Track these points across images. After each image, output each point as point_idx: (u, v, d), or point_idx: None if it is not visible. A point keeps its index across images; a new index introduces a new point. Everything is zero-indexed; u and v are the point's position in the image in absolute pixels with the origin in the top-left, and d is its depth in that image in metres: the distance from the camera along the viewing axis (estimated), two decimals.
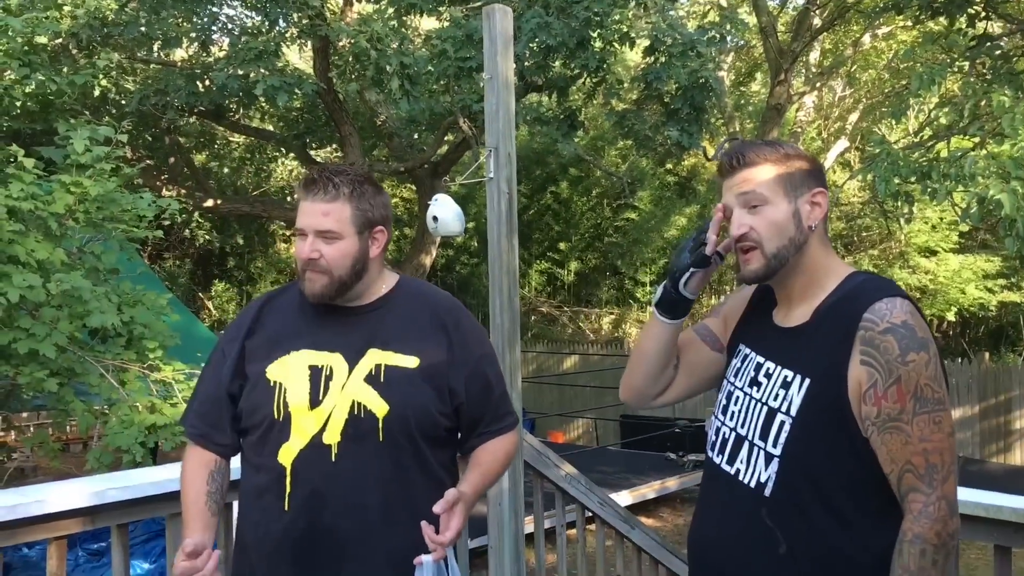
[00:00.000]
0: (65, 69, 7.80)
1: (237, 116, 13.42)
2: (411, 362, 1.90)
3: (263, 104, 12.22)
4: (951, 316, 15.99)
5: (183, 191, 12.59)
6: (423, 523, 1.71)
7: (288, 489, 1.83)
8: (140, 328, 4.39)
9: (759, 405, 1.70)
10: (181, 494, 1.93)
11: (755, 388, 1.73)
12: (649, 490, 9.31)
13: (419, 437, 1.88)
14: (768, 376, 1.71)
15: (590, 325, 19.39)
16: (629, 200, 18.21)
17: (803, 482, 1.61)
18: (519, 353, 3.66)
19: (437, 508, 1.72)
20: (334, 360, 1.88)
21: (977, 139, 7.78)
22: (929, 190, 6.31)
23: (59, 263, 4.11)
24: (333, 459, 1.83)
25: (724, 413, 1.79)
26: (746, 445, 1.70)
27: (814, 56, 15.88)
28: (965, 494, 2.49)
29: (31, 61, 6.90)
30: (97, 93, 8.47)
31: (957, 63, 7.95)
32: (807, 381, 1.63)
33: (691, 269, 1.79)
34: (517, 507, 3.61)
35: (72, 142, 4.43)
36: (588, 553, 4.35)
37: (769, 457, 1.65)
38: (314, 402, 1.84)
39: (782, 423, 1.64)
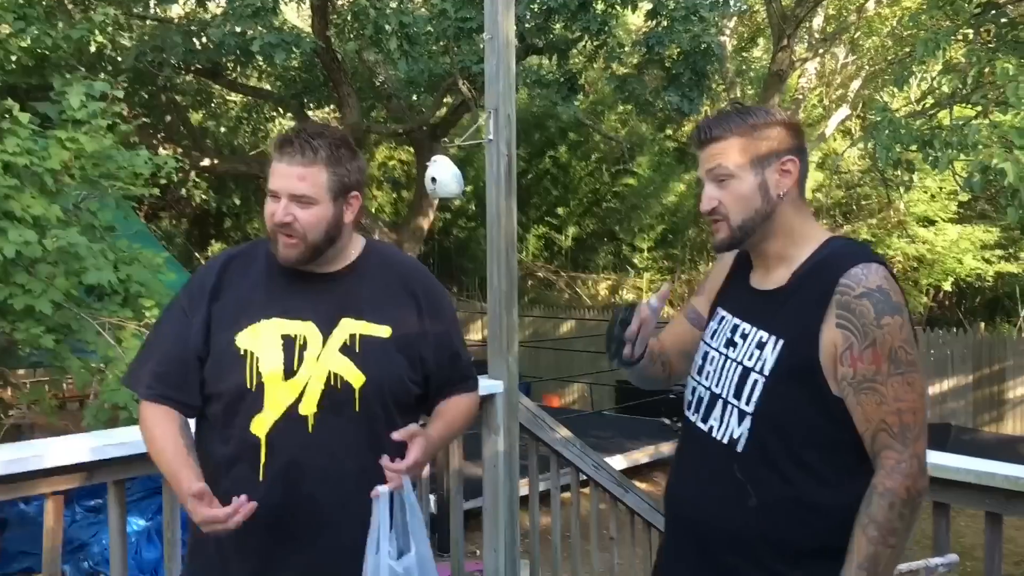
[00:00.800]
0: (61, 24, 7.71)
1: (234, 75, 13.29)
2: (384, 332, 1.90)
3: (260, 62, 12.09)
4: (947, 286, 16.01)
5: (179, 150, 12.51)
6: (383, 456, 1.75)
7: (263, 460, 1.81)
8: (137, 286, 4.38)
9: (734, 365, 1.76)
10: (155, 451, 1.86)
11: (731, 348, 1.79)
12: (643, 455, 9.36)
13: (392, 406, 1.90)
14: (744, 337, 1.77)
15: (587, 290, 19.40)
16: (628, 165, 18.14)
17: (773, 438, 1.67)
18: (516, 317, 3.65)
19: (396, 435, 1.77)
20: (307, 329, 1.86)
21: (980, 108, 7.73)
22: (931, 158, 6.28)
23: (55, 219, 4.08)
24: (310, 430, 1.82)
25: (700, 373, 1.86)
26: (720, 403, 1.76)
27: (817, 22, 15.72)
28: (957, 461, 2.51)
29: (26, 15, 6.81)
30: (93, 49, 8.39)
31: (962, 30, 7.87)
32: (781, 342, 1.69)
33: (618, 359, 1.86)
34: (512, 470, 3.63)
35: (68, 97, 4.39)
36: (582, 516, 4.39)
37: (742, 415, 1.71)
38: (288, 372, 1.82)
39: (756, 382, 1.70)
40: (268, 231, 1.86)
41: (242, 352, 1.82)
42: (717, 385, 1.78)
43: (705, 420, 1.79)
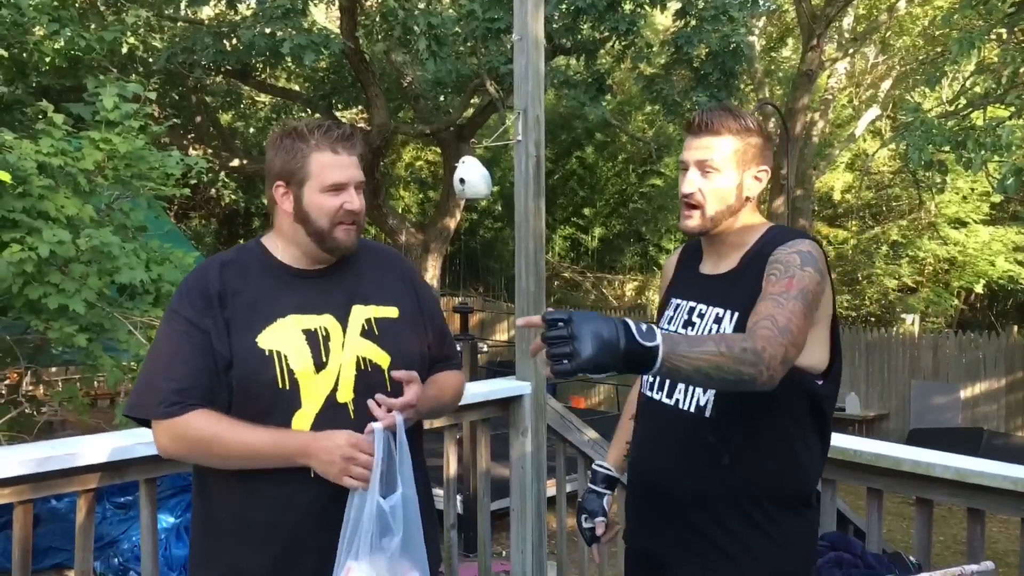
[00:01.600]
0: (93, 26, 7.79)
1: (263, 76, 13.39)
2: (393, 312, 1.97)
3: (289, 64, 12.18)
4: (979, 288, 15.82)
5: (209, 150, 12.63)
6: (377, 396, 1.80)
7: None
8: (168, 286, 4.41)
9: None
10: (227, 446, 1.77)
11: (689, 328, 1.92)
12: None
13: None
14: (701, 316, 1.91)
15: (613, 291, 19.36)
16: (655, 166, 18.08)
17: (739, 401, 1.79)
18: None
19: (396, 374, 1.83)
20: (325, 321, 1.88)
21: (1014, 108, 7.62)
22: (964, 159, 6.20)
23: (88, 219, 4.13)
24: (352, 416, 1.84)
25: None
26: None
27: (847, 22, 15.58)
28: (993, 467, 2.47)
29: (60, 17, 6.91)
30: (125, 50, 8.48)
31: (995, 30, 7.77)
32: (736, 315, 1.82)
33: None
34: (539, 471, 3.62)
35: (101, 98, 4.43)
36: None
37: None
38: (319, 365, 1.84)
39: None
40: (326, 222, 1.87)
41: (268, 352, 1.81)
42: None
43: (670, 395, 1.91)
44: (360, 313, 1.92)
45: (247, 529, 1.83)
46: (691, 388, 1.87)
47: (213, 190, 17.17)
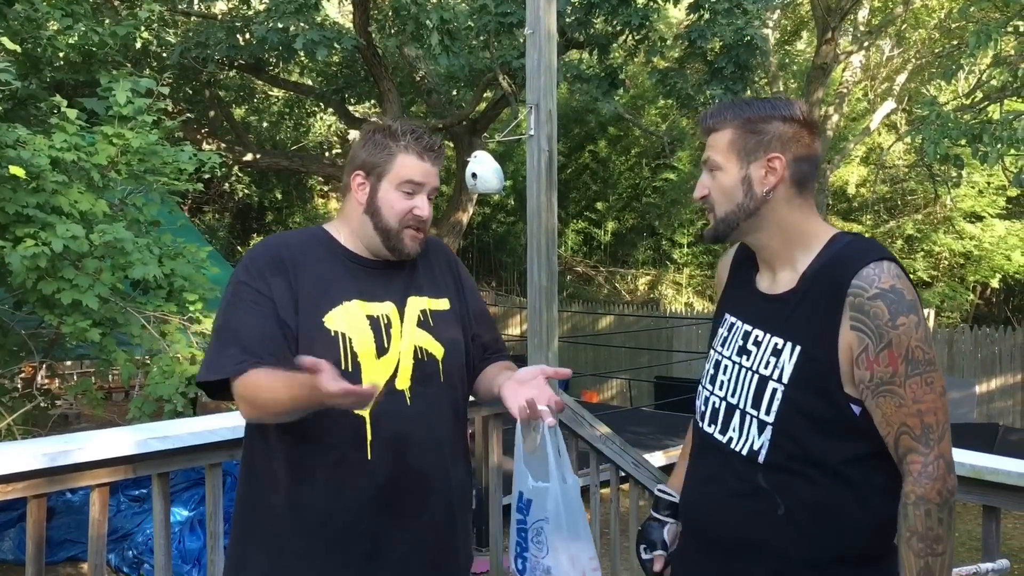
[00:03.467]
0: (107, 21, 7.82)
1: (276, 70, 13.41)
2: (444, 304, 2.02)
3: (302, 58, 12.19)
4: (995, 283, 15.72)
5: (222, 145, 12.66)
6: (533, 396, 1.83)
7: (369, 437, 1.84)
8: (181, 281, 4.43)
9: (749, 373, 1.71)
10: (270, 396, 1.73)
11: (744, 357, 1.74)
12: None
13: (464, 374, 2.03)
14: (757, 344, 1.72)
15: (626, 286, 19.33)
16: (668, 160, 18.02)
17: (796, 448, 1.63)
18: (556, 311, 3.64)
19: (548, 372, 1.89)
20: (387, 309, 1.92)
21: None
22: (980, 153, 6.15)
23: (101, 214, 4.15)
24: (408, 403, 1.88)
25: (712, 383, 1.81)
26: (738, 414, 1.72)
27: (863, 14, 15.46)
28: (1009, 464, 2.45)
29: (74, 11, 6.92)
30: (139, 45, 8.50)
31: (1012, 23, 7.70)
32: (798, 348, 1.65)
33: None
34: None
35: (114, 94, 4.45)
36: (621, 513, 4.36)
37: (762, 425, 1.66)
38: (380, 350, 1.87)
39: (774, 391, 1.66)
40: (395, 222, 1.91)
41: (333, 333, 1.84)
42: (733, 395, 1.74)
43: (724, 432, 1.74)
44: (416, 304, 1.96)
45: (300, 512, 1.84)
46: (746, 427, 1.70)
47: (227, 184, 17.23)
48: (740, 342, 1.77)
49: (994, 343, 11.88)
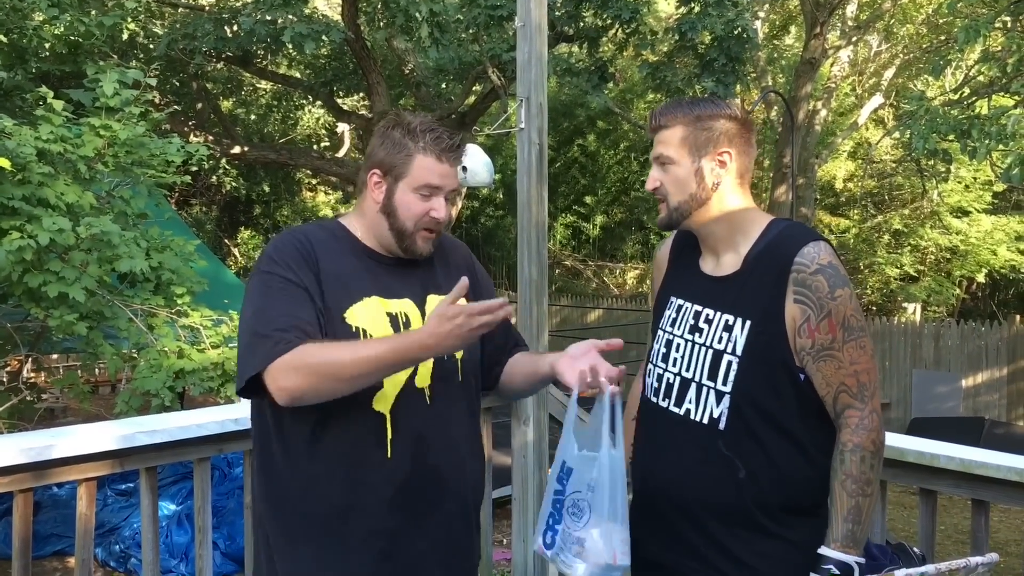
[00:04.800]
0: (94, 12, 7.75)
1: (264, 63, 13.34)
2: (463, 302, 1.94)
3: (290, 51, 12.13)
4: (981, 278, 15.81)
5: (210, 137, 12.59)
6: (594, 364, 1.84)
7: (390, 435, 1.83)
8: (168, 274, 4.40)
9: (703, 349, 1.87)
10: (348, 363, 1.69)
11: (697, 334, 1.89)
12: None
13: (479, 372, 2.03)
14: (709, 322, 1.88)
15: (614, 280, 19.36)
16: None
17: (753, 413, 1.80)
18: (546, 306, 3.63)
19: (601, 344, 1.90)
20: (406, 306, 1.91)
21: (1019, 96, 7.58)
22: (969, 148, 6.16)
23: (88, 207, 4.11)
24: (428, 402, 1.88)
25: (665, 360, 1.95)
26: (694, 386, 1.87)
27: (851, 9, 15.51)
28: (998, 458, 2.46)
29: (60, 2, 6.86)
30: (125, 36, 8.44)
31: (1000, 19, 7.72)
32: (748, 323, 1.81)
33: None
34: (541, 459, 3.62)
35: (101, 85, 4.41)
36: None
37: (720, 395, 1.82)
38: None
39: (730, 363, 1.82)
40: (410, 224, 1.88)
41: (354, 329, 1.82)
42: (688, 370, 1.88)
43: (679, 404, 1.88)
44: (435, 302, 1.92)
45: (317, 512, 1.83)
46: (703, 398, 1.85)
47: (214, 177, 17.15)
48: (692, 321, 1.91)
49: (980, 337, 11.95)
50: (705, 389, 1.84)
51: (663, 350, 1.95)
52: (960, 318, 13.55)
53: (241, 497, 5.80)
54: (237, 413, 2.63)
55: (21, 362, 5.31)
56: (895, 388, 12.35)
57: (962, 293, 16.51)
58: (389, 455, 1.82)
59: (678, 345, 1.91)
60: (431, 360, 1.87)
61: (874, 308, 16.29)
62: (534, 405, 3.55)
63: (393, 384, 1.84)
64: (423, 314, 1.92)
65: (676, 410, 1.88)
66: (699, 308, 1.90)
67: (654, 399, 1.95)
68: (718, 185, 1.88)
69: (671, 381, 1.91)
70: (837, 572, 1.74)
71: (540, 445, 3.60)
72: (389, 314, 1.87)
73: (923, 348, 12.30)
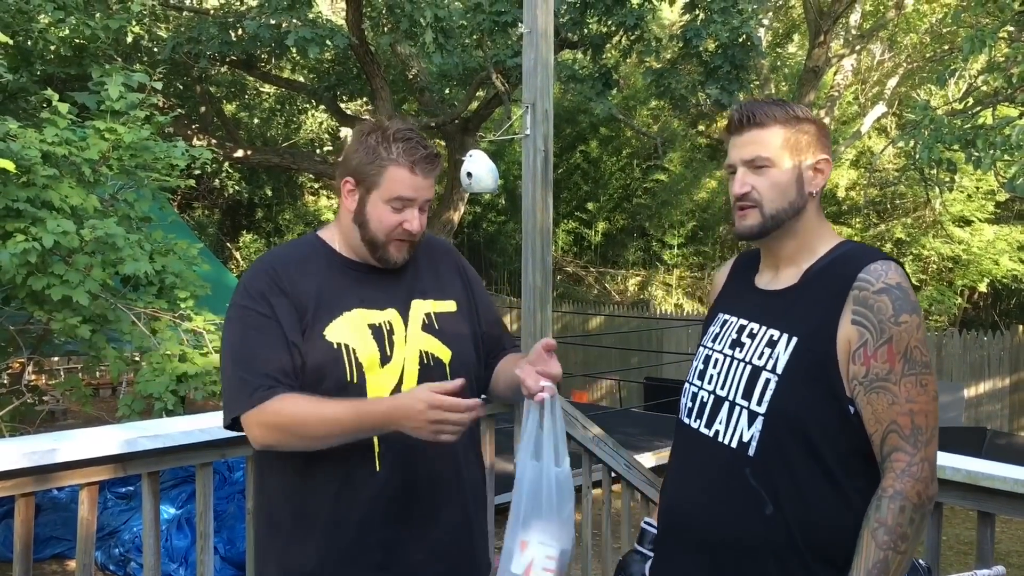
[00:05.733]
0: (99, 14, 7.76)
1: (268, 66, 13.35)
2: (451, 306, 1.98)
3: (294, 55, 12.14)
4: (983, 287, 15.78)
5: (213, 141, 12.58)
6: (527, 369, 1.80)
7: (377, 449, 1.82)
8: (172, 277, 4.40)
9: (742, 365, 1.69)
10: (313, 424, 1.73)
11: (737, 349, 1.72)
12: None
13: (473, 373, 1.97)
14: (752, 336, 1.70)
15: (616, 286, 19.33)
16: (660, 161, 18.03)
17: (788, 439, 1.59)
18: (550, 312, 3.62)
19: (542, 344, 1.81)
20: (389, 315, 1.89)
21: None
22: (974, 158, 6.16)
23: (92, 210, 4.11)
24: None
25: (700, 378, 1.78)
26: (726, 406, 1.68)
27: (855, 18, 15.52)
28: (1005, 470, 2.45)
29: (65, 4, 6.87)
30: (130, 40, 8.45)
31: (1005, 28, 7.72)
32: (795, 339, 1.62)
33: None
34: None
35: (106, 88, 4.41)
36: (613, 513, 4.35)
37: (753, 415, 1.63)
38: (384, 359, 1.85)
39: (767, 381, 1.62)
40: (382, 236, 1.85)
41: (336, 346, 1.81)
42: (722, 388, 1.71)
43: (709, 425, 1.70)
44: (420, 307, 1.93)
45: (310, 525, 1.83)
46: (734, 418, 1.66)
47: (217, 181, 17.14)
48: (734, 336, 1.75)
49: (982, 347, 11.93)
50: (738, 409, 1.65)
51: (700, 367, 1.79)
52: (962, 328, 13.54)
53: (241, 502, 5.78)
54: None
55: (23, 364, 5.31)
56: None
57: (964, 303, 16.49)
58: (378, 468, 1.81)
59: (716, 361, 1.75)
60: (417, 369, 1.87)
61: None
62: None
63: (379, 394, 1.84)
64: (407, 322, 1.90)
65: (705, 431, 1.71)
66: (744, 322, 1.74)
67: (686, 420, 1.79)
68: (812, 195, 1.71)
69: (704, 399, 1.74)
70: None
71: None
72: (372, 326, 1.86)
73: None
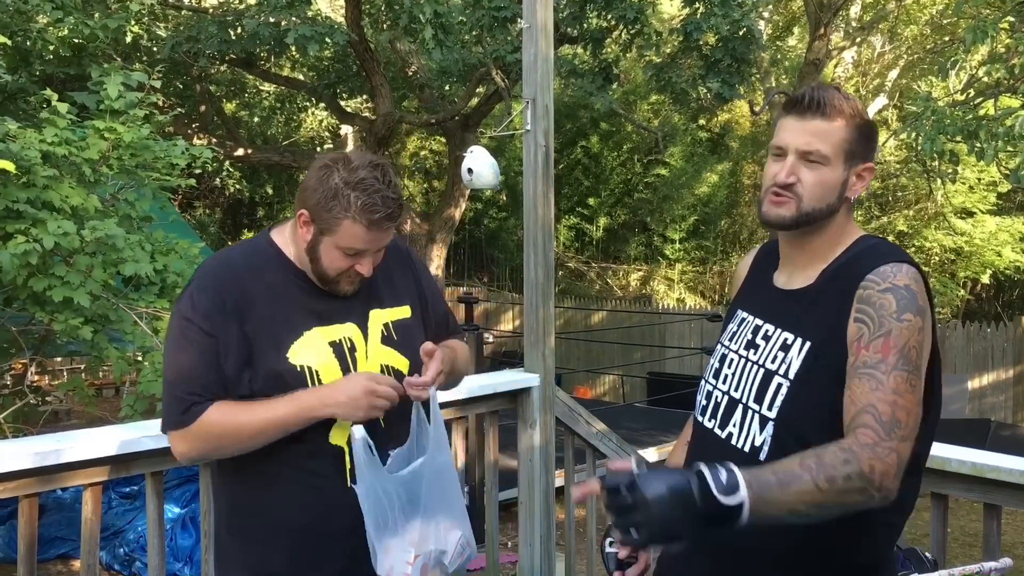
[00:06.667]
0: (97, 14, 7.75)
1: (268, 65, 13.34)
2: (406, 311, 1.98)
3: (294, 53, 12.12)
4: (985, 279, 15.77)
5: (213, 140, 12.58)
6: (407, 378, 1.85)
7: (349, 465, 1.83)
8: (173, 276, 4.38)
9: (755, 368, 1.66)
10: (249, 427, 1.77)
11: (752, 351, 1.68)
12: None
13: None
14: (767, 339, 1.67)
15: (618, 281, 19.32)
16: (661, 156, 18.01)
17: (798, 447, 1.48)
18: (552, 308, 3.62)
19: (425, 348, 1.86)
20: (349, 331, 1.88)
21: None
22: (977, 149, 6.14)
23: (93, 210, 4.10)
24: (383, 425, 1.85)
25: (716, 377, 1.76)
26: (740, 408, 1.66)
27: (855, 10, 15.49)
28: (1011, 462, 2.44)
29: (64, 4, 6.86)
30: (129, 39, 8.43)
31: (1005, 19, 7.70)
32: (807, 344, 1.58)
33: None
34: (547, 463, 3.61)
35: (105, 87, 4.40)
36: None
37: (764, 420, 1.60)
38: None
39: (779, 386, 1.59)
40: (332, 273, 1.84)
41: (299, 368, 1.80)
42: (736, 389, 1.68)
43: (723, 427, 1.68)
44: (378, 318, 1.92)
45: (274, 532, 1.84)
46: (748, 422, 1.62)
47: (217, 180, 17.13)
48: (749, 336, 1.71)
49: (985, 339, 11.91)
50: (751, 412, 1.62)
51: (716, 365, 1.77)
52: (965, 319, 13.53)
53: None
54: None
55: (26, 365, 5.30)
56: None
57: (967, 294, 16.47)
58: (349, 484, 1.81)
59: (731, 361, 1.73)
60: None
61: None
62: (540, 409, 3.54)
63: None
64: (366, 335, 1.89)
65: (720, 433, 1.69)
66: (760, 323, 1.71)
67: (700, 418, 1.77)
68: (849, 200, 1.65)
69: (719, 400, 1.72)
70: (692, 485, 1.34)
71: (546, 448, 3.59)
72: (332, 343, 1.84)
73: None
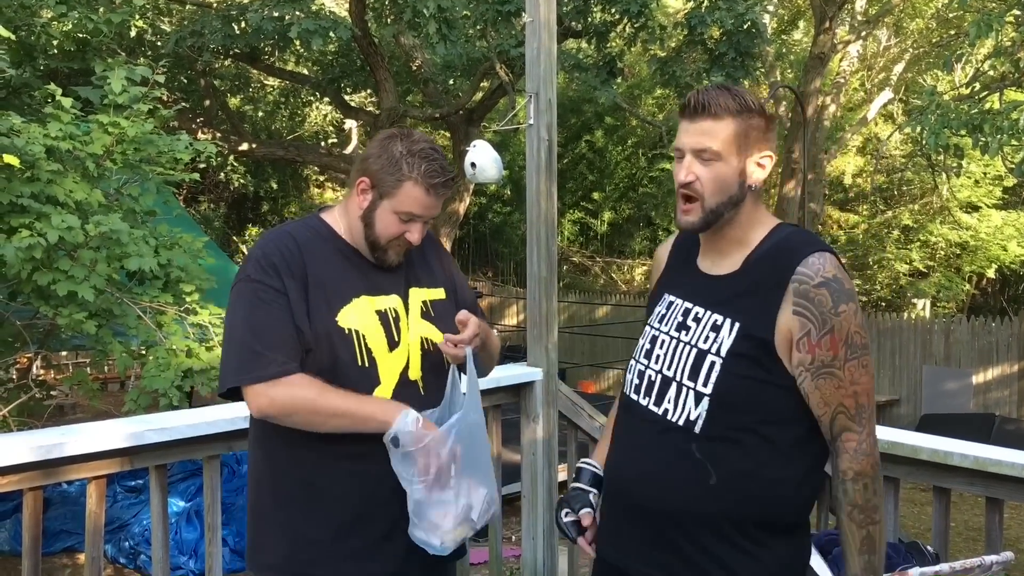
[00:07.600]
0: (102, 8, 7.75)
1: (272, 59, 13.33)
2: (441, 294, 2.10)
3: (298, 47, 12.12)
4: (991, 273, 15.72)
5: (218, 134, 12.59)
6: (447, 336, 1.95)
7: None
8: (177, 271, 4.40)
9: (688, 347, 1.79)
10: (325, 409, 1.84)
11: (683, 332, 1.81)
12: None
13: None
14: (697, 320, 1.80)
15: (622, 276, 19.31)
16: (665, 150, 17.97)
17: (732, 417, 1.72)
18: (556, 302, 3.62)
19: (459, 316, 1.96)
20: (393, 302, 1.99)
21: None
22: (981, 143, 6.12)
23: (97, 204, 4.11)
24: (423, 392, 1.97)
25: (648, 357, 1.87)
26: (674, 386, 1.78)
27: (860, 3, 15.42)
28: (1012, 455, 2.44)
29: None
30: (133, 34, 8.45)
31: (1011, 12, 7.67)
32: (737, 325, 1.73)
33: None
34: (551, 456, 3.61)
35: (109, 82, 4.40)
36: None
37: (699, 396, 1.74)
38: (392, 344, 1.95)
39: (712, 364, 1.73)
40: (384, 240, 1.96)
41: (347, 331, 1.90)
42: (669, 368, 1.80)
43: (659, 403, 1.80)
44: (417, 295, 2.04)
45: (317, 497, 1.91)
46: (682, 398, 1.76)
47: (222, 174, 17.15)
48: (680, 318, 1.84)
49: (990, 333, 11.88)
50: (685, 389, 1.75)
51: (647, 346, 1.88)
52: (970, 314, 13.49)
53: None
54: (247, 411, 2.63)
55: (31, 359, 5.32)
56: (905, 384, 12.30)
57: (972, 289, 16.42)
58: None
59: (663, 342, 1.84)
60: (420, 353, 1.98)
61: (883, 304, 16.22)
62: (543, 402, 3.54)
63: (389, 378, 1.94)
64: (408, 309, 2.00)
65: (655, 409, 1.80)
66: (689, 305, 1.83)
67: (634, 396, 1.87)
68: (751, 188, 1.78)
69: (652, 378, 1.83)
70: None
71: (549, 442, 3.59)
72: (378, 312, 1.95)
73: (933, 344, 12.24)
